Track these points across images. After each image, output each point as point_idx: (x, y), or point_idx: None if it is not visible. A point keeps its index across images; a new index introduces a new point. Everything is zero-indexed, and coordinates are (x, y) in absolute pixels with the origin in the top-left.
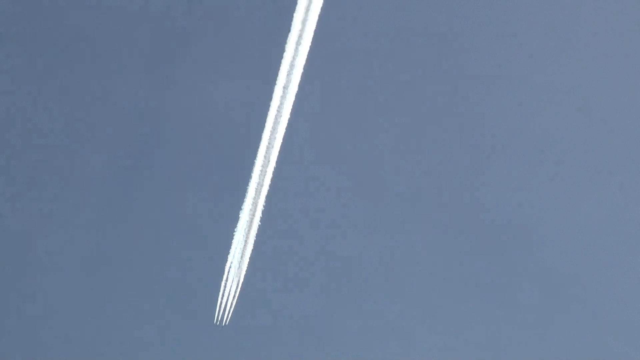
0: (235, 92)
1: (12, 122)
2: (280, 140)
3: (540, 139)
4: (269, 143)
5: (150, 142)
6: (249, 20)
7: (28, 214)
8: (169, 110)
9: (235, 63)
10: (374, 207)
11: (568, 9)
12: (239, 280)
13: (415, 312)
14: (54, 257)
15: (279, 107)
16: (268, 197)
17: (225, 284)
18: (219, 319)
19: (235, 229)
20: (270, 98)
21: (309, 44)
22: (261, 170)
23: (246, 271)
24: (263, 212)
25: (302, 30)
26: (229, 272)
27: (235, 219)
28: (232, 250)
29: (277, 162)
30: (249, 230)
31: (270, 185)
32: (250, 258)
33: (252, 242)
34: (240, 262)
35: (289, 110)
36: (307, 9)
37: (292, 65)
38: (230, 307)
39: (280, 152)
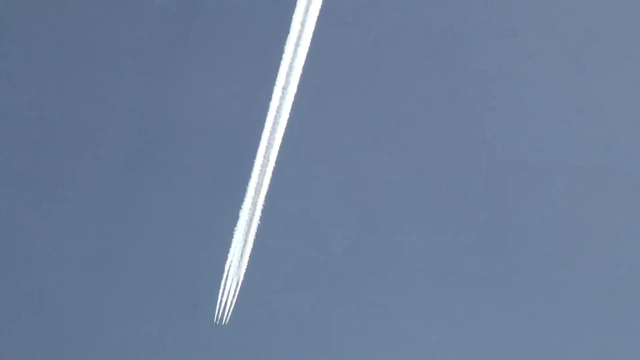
0: (235, 92)
1: (12, 122)
2: (280, 140)
3: (540, 138)
4: (268, 143)
5: (150, 142)
6: (248, 21)
7: (27, 214)
8: (169, 110)
9: (235, 64)
10: (373, 206)
11: (568, 8)
12: (238, 279)
13: (415, 311)
14: (54, 255)
15: (278, 107)
16: (267, 196)
17: (225, 283)
18: (219, 318)
19: (235, 228)
20: (269, 98)
21: (308, 45)
22: (260, 170)
23: (246, 270)
24: (262, 211)
25: (301, 32)
26: (228, 271)
27: (235, 218)
28: (231, 249)
29: (276, 162)
30: (248, 229)
31: (270, 185)
32: (249, 257)
33: (252, 241)
34: (240, 261)
35: (288, 111)
36: (306, 10)
37: (291, 66)
38: (230, 306)
39: (279, 151)
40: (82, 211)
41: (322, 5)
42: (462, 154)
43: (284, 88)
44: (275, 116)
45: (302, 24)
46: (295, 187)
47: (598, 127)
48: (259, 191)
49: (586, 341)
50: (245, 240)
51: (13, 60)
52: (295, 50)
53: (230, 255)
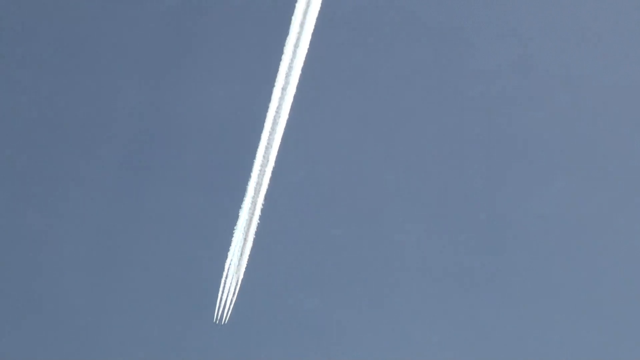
0: (235, 92)
1: (13, 122)
2: (279, 140)
3: (540, 138)
4: (267, 143)
5: (150, 141)
6: (248, 21)
7: (27, 214)
8: (169, 110)
9: (234, 64)
10: (373, 206)
11: (568, 8)
12: (238, 279)
13: (415, 311)
14: (54, 255)
15: (277, 107)
16: (267, 195)
17: (225, 282)
18: (219, 317)
19: (235, 227)
20: (269, 99)
21: (307, 45)
22: (260, 170)
23: (245, 269)
24: (262, 210)
25: (300, 33)
26: (228, 270)
27: (235, 217)
28: (231, 248)
29: (275, 162)
30: (248, 229)
31: (269, 184)
32: (249, 256)
33: (252, 240)
34: (239, 260)
35: (288, 111)
36: (306, 11)
37: (290, 67)
38: (230, 305)
39: (279, 151)
40: (82, 210)
41: (321, 6)
42: (462, 154)
43: (284, 88)
44: (275, 116)
45: (302, 25)
46: (295, 187)
47: (598, 127)
48: (259, 190)
49: (586, 341)
50: (245, 240)
51: (14, 60)
52: (294, 51)
53: (230, 254)
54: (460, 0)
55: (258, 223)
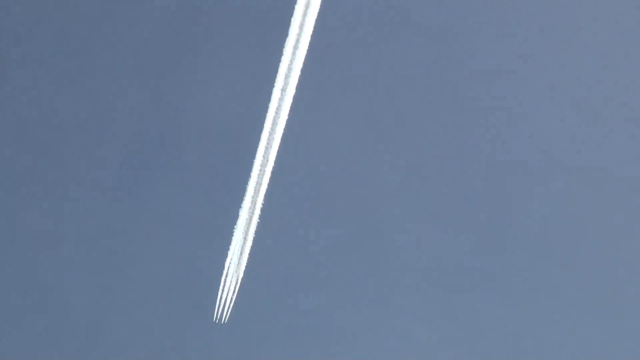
0: (235, 93)
1: (13, 122)
2: (279, 140)
3: (540, 138)
4: (267, 143)
5: (150, 141)
6: (247, 22)
7: (27, 213)
8: (169, 110)
9: (234, 65)
10: (373, 205)
11: (568, 8)
12: (238, 278)
13: (415, 311)
14: (54, 254)
15: (277, 108)
16: (267, 195)
17: (225, 281)
18: (218, 316)
19: (235, 226)
20: (268, 99)
21: (307, 46)
22: (260, 169)
23: (245, 268)
24: (262, 210)
25: (299, 35)
26: (228, 269)
27: (235, 216)
28: (231, 248)
29: (275, 161)
30: (248, 228)
31: (269, 183)
32: (249, 255)
33: (251, 239)
34: (239, 259)
35: (287, 111)
36: (305, 12)
37: (289, 68)
38: (230, 304)
39: (278, 151)
40: (82, 210)
41: (320, 7)
42: (462, 154)
43: (283, 89)
44: (275, 117)
45: (301, 27)
46: (295, 187)
47: (598, 127)
48: (259, 190)
49: (586, 341)
50: (245, 239)
51: (15, 60)
52: (293, 53)
53: (230, 253)
54: (460, 1)
55: (258, 222)
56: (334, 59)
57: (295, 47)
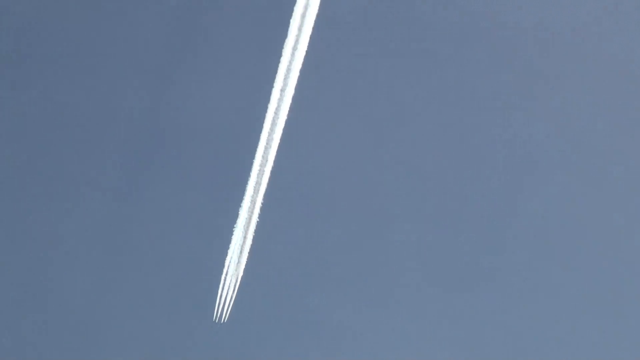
0: (235, 93)
1: (14, 122)
2: (278, 140)
3: (540, 138)
4: (267, 142)
5: (151, 141)
6: (247, 23)
7: (27, 213)
8: (170, 110)
9: (234, 66)
10: (372, 205)
11: (568, 8)
12: (237, 277)
13: (416, 310)
14: (54, 253)
15: (276, 109)
16: (266, 194)
17: (225, 280)
18: (218, 315)
19: (235, 225)
20: (268, 99)
21: (305, 47)
22: (259, 169)
23: (245, 268)
24: (261, 209)
25: (298, 36)
26: (228, 268)
27: (235, 216)
28: (231, 247)
29: (274, 161)
30: (248, 227)
31: (268, 183)
32: (249, 255)
33: (251, 238)
34: (239, 258)
35: (286, 111)
36: (304, 14)
37: (289, 70)
38: (229, 303)
39: (278, 150)
40: (82, 209)
41: (319, 8)
42: (462, 154)
43: (282, 90)
44: (274, 117)
45: (300, 29)
46: (294, 186)
47: (598, 127)
48: (258, 189)
49: (586, 341)
50: (245, 238)
51: (15, 60)
52: (292, 54)
53: (229, 252)
54: (459, 1)
55: (257, 222)
56: (333, 59)
57: (295, 48)
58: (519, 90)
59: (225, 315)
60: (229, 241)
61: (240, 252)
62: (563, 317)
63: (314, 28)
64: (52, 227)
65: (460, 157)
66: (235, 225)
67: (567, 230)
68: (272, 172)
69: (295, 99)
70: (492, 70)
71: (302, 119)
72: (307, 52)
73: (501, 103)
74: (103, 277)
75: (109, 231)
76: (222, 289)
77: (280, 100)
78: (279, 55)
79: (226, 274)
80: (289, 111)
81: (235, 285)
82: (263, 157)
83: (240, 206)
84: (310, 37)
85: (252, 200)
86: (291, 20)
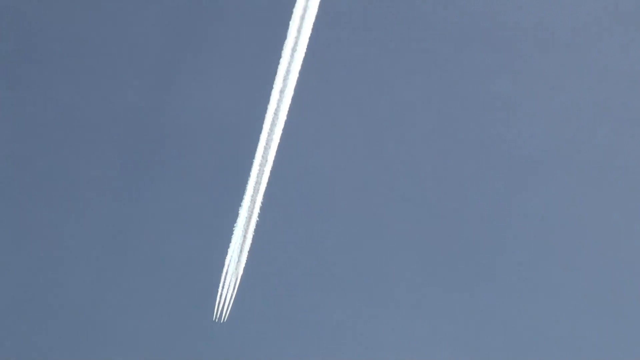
0: (235, 93)
1: (14, 122)
2: (278, 140)
3: (540, 138)
4: (266, 143)
5: (151, 141)
6: (247, 23)
7: (26, 212)
8: (170, 110)
9: (234, 66)
10: (372, 204)
11: (568, 8)
12: (237, 277)
13: (415, 310)
14: (53, 253)
15: (275, 109)
16: (266, 194)
17: (224, 280)
18: (218, 314)
19: (235, 225)
20: (267, 100)
21: (305, 48)
22: (259, 169)
23: (245, 268)
24: (261, 208)
25: (297, 38)
26: (228, 267)
27: (235, 216)
28: (231, 247)
29: (274, 161)
30: (247, 226)
31: (268, 183)
32: (249, 253)
33: (251, 238)
34: (239, 257)
35: (286, 112)
36: (303, 15)
37: (288, 71)
38: (229, 303)
39: (277, 150)
40: (82, 208)
41: (319, 8)
42: (462, 154)
43: (282, 91)
44: (274, 117)
45: (299, 31)
46: (294, 186)
47: (598, 127)
48: (258, 189)
49: (586, 341)
50: (245, 237)
51: (15, 60)
52: (292, 55)
53: (229, 252)
54: (459, 1)
55: (257, 221)
56: (332, 60)
57: (294, 50)
58: (519, 90)
59: (225, 315)
60: (229, 240)
61: (240, 252)
62: (563, 317)
63: (313, 29)
64: (52, 226)
65: (460, 156)
66: (235, 225)
67: (567, 230)
68: (272, 172)
69: (294, 99)
70: (492, 70)
71: (302, 119)
72: (306, 52)
73: (501, 103)
74: (103, 276)
75: (109, 231)
76: (222, 288)
77: (279, 100)
78: (278, 55)
79: (226, 274)
80: (289, 111)
81: (235, 285)
82: (263, 157)
83: (240, 206)
84: (310, 38)
85: (252, 200)
86: (290, 22)
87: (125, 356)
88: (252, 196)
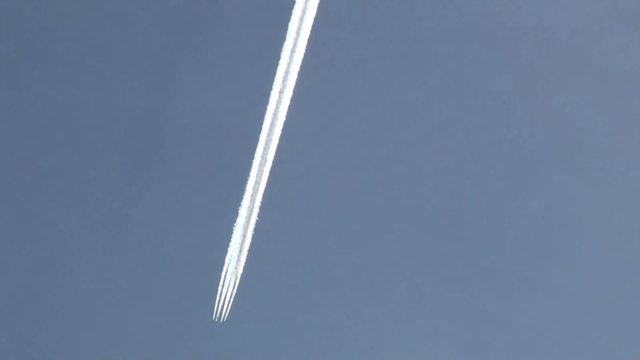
0: (235, 93)
1: (14, 122)
2: (277, 140)
3: (540, 138)
4: (265, 142)
5: (150, 140)
6: (247, 23)
7: (26, 212)
8: (170, 110)
9: (234, 66)
10: (371, 204)
11: (568, 7)
12: (237, 276)
13: (415, 310)
14: (53, 253)
15: (275, 110)
16: (265, 193)
17: (224, 280)
18: (218, 314)
19: (234, 224)
20: (267, 100)
21: (304, 49)
22: (258, 169)
23: (244, 267)
24: (261, 208)
25: (296, 39)
26: (227, 267)
27: (234, 215)
28: (230, 246)
29: (273, 160)
30: (247, 226)
31: (267, 182)
32: (248, 253)
33: (250, 238)
34: (238, 257)
35: (285, 112)
36: (302, 15)
37: (287, 72)
38: (229, 303)
39: (276, 150)
40: (83, 208)
41: (318, 10)
42: (462, 154)
43: (281, 91)
44: (273, 117)
45: (298, 32)
46: (293, 186)
47: (598, 127)
48: (257, 189)
49: (586, 341)
50: (244, 237)
51: (15, 60)
52: (291, 55)
53: (229, 251)
54: (459, 1)
55: (257, 221)
56: (331, 60)
57: (293, 51)
58: (519, 90)
59: (225, 315)
60: (228, 240)
61: (240, 251)
62: (563, 317)
63: (312, 29)
64: (52, 226)
65: (460, 157)
66: (234, 225)
67: (567, 230)
68: (272, 172)
69: (293, 99)
70: (492, 70)
71: (301, 119)
72: (305, 53)
73: (501, 103)
74: (103, 276)
75: (108, 231)
76: (222, 288)
77: (279, 100)
78: (277, 55)
79: (226, 273)
80: (288, 111)
81: (234, 284)
82: (262, 157)
83: (239, 205)
84: (309, 38)
85: (251, 200)
86: (289, 23)
87: (125, 356)
88: (252, 196)
